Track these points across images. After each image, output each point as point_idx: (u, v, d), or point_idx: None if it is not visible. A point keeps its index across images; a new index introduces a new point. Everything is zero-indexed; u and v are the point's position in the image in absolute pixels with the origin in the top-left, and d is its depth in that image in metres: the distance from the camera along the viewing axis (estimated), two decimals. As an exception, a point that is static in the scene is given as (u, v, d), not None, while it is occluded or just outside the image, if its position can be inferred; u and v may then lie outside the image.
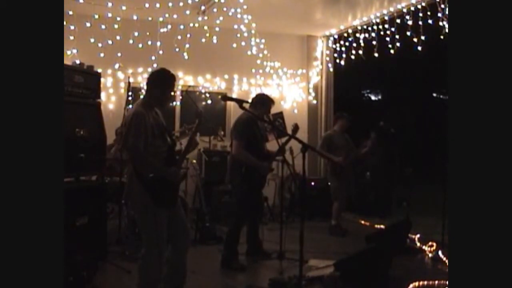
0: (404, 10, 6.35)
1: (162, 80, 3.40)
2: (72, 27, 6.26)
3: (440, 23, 5.90)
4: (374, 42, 6.97)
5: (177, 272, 3.54)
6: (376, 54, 7.01)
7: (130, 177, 3.36)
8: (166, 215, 3.33)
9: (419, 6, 6.11)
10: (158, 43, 6.72)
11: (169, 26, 6.76)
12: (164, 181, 3.25)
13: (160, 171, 3.25)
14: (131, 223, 5.25)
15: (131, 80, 5.64)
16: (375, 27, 6.94)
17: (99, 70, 5.41)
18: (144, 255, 3.30)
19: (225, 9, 6.48)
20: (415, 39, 6.30)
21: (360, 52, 7.33)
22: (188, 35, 6.77)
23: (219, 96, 7.34)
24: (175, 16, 6.60)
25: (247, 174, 4.61)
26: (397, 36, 6.62)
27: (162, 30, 6.72)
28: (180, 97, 7.69)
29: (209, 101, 7.76)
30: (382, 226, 6.54)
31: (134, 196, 3.31)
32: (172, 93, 3.57)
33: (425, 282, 4.18)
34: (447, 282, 3.55)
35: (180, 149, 3.67)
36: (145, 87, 3.52)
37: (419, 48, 6.29)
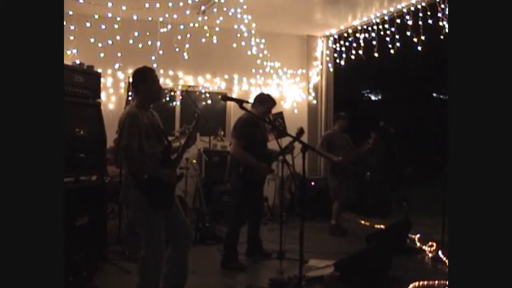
0: (404, 10, 6.35)
1: (143, 76, 3.46)
2: (72, 27, 6.27)
3: (440, 23, 5.90)
4: (374, 42, 6.97)
5: (178, 272, 3.55)
6: (376, 54, 7.01)
7: (126, 179, 3.38)
8: (163, 216, 3.33)
9: (419, 6, 6.11)
10: (158, 43, 6.71)
11: (169, 26, 6.75)
12: (159, 182, 3.25)
13: (154, 172, 3.25)
14: (131, 223, 5.25)
15: (131, 80, 5.63)
16: (375, 27, 6.94)
17: (99, 70, 5.40)
18: (143, 256, 3.31)
19: (225, 9, 6.48)
20: (415, 39, 6.31)
21: (360, 52, 7.33)
22: (188, 35, 6.76)
23: (219, 96, 7.34)
24: (175, 16, 6.59)
25: (245, 173, 4.61)
26: (397, 36, 6.62)
27: (162, 30, 6.71)
28: (180, 97, 7.68)
29: (209, 101, 7.76)
30: (382, 226, 6.54)
31: (130, 198, 3.31)
32: (160, 86, 3.60)
33: (425, 282, 4.18)
34: (447, 282, 3.55)
35: (179, 145, 3.66)
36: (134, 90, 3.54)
37: (419, 48, 6.29)
